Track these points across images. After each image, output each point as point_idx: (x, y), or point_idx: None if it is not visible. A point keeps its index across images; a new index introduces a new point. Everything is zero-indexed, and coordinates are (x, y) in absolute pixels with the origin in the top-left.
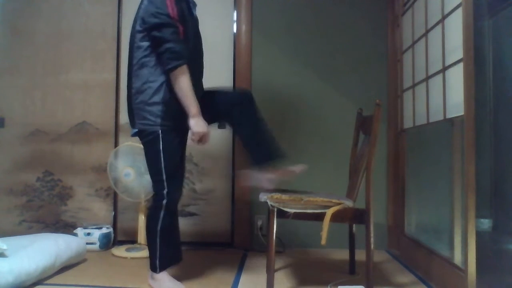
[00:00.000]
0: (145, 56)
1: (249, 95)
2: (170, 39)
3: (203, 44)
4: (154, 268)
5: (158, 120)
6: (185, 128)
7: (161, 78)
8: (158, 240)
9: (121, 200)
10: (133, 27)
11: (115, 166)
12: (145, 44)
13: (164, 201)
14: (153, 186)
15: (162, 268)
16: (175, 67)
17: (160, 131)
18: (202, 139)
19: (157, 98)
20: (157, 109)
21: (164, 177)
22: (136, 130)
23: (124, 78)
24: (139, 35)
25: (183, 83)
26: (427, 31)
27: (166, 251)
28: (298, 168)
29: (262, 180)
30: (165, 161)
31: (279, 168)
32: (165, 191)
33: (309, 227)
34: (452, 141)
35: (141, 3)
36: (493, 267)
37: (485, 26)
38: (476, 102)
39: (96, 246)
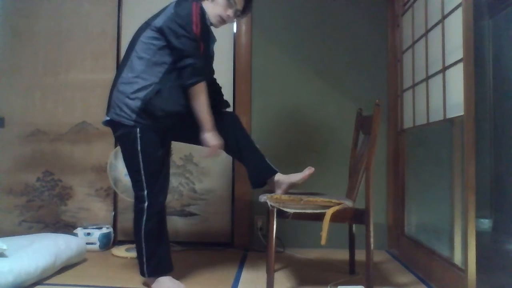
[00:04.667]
0: (148, 54)
1: (237, 117)
2: (193, 54)
3: None
4: (142, 273)
5: (133, 116)
6: (166, 129)
7: (153, 79)
8: (143, 245)
9: (121, 200)
10: (147, 21)
11: (115, 166)
12: (154, 42)
13: (145, 204)
14: (133, 187)
15: (150, 274)
16: (196, 83)
17: (138, 129)
18: (216, 152)
19: (141, 94)
20: (135, 105)
21: (143, 178)
22: (108, 118)
23: None
24: (150, 33)
25: (202, 99)
26: (427, 31)
27: (153, 256)
28: (308, 171)
29: (285, 185)
30: (144, 161)
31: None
32: (145, 193)
33: (309, 227)
34: (452, 141)
35: (165, 9)
36: (493, 267)
37: (485, 26)
38: (476, 102)
39: (96, 246)
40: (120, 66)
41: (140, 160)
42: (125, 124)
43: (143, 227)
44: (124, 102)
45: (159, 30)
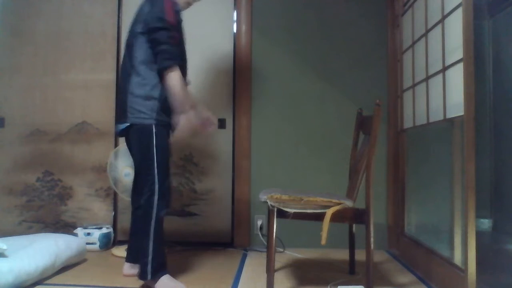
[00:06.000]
0: (147, 56)
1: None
2: (166, 41)
3: (203, 44)
4: (144, 275)
5: (154, 114)
6: (171, 126)
7: (158, 77)
8: (150, 243)
9: (121, 200)
10: (133, 27)
11: (115, 166)
12: (147, 45)
13: (156, 197)
14: (144, 184)
15: (153, 275)
16: (169, 67)
17: (153, 125)
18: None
19: (155, 93)
20: (153, 104)
21: (156, 172)
22: (125, 126)
23: None
24: (140, 38)
25: (176, 81)
26: (427, 31)
27: (157, 256)
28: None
29: None
30: (157, 156)
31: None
32: (156, 187)
33: (309, 227)
34: (452, 141)
35: (143, 6)
36: (493, 267)
37: (485, 26)
38: (476, 102)
39: (96, 246)
40: (125, 73)
41: (154, 155)
42: (144, 123)
43: (153, 222)
44: (142, 104)
45: (145, 32)
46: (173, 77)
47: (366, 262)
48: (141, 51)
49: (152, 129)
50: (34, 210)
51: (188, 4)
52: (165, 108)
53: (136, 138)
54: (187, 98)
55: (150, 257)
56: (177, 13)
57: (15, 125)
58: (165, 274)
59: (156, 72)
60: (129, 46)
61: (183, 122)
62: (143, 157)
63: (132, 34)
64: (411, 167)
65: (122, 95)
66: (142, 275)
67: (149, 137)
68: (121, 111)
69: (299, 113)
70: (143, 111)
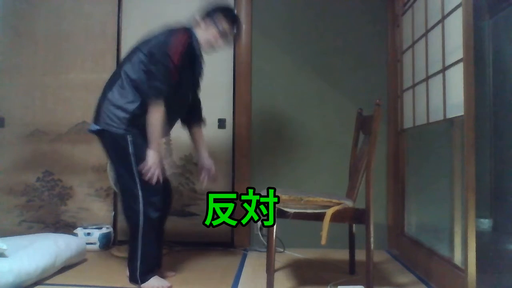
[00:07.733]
0: (135, 74)
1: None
2: (160, 78)
3: None
4: (134, 280)
5: (123, 126)
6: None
7: (138, 96)
8: (139, 248)
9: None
10: (141, 43)
11: None
12: (142, 67)
13: (141, 205)
14: (125, 191)
15: (143, 280)
16: (155, 103)
17: (128, 135)
18: (149, 171)
19: (130, 107)
20: (124, 116)
21: (137, 179)
22: (97, 128)
23: None
24: (141, 56)
25: (156, 119)
26: (427, 31)
27: (146, 260)
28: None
29: None
30: (137, 164)
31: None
32: (139, 193)
33: (309, 227)
34: (452, 141)
35: (157, 35)
36: (493, 267)
37: (485, 26)
38: (476, 102)
39: (96, 246)
40: (112, 79)
41: (133, 162)
42: (117, 133)
43: (140, 228)
44: (114, 112)
45: (146, 55)
46: (155, 114)
47: (366, 262)
48: (133, 68)
49: (127, 139)
50: (34, 210)
51: (211, 46)
52: (136, 123)
53: (112, 147)
54: (158, 137)
55: (138, 263)
56: (187, 54)
57: (15, 125)
58: (153, 276)
59: (136, 91)
60: (127, 57)
61: (149, 157)
62: (123, 167)
63: (135, 48)
64: (411, 167)
65: (101, 97)
66: (132, 278)
67: (125, 147)
68: (95, 112)
69: (299, 113)
70: (114, 120)
